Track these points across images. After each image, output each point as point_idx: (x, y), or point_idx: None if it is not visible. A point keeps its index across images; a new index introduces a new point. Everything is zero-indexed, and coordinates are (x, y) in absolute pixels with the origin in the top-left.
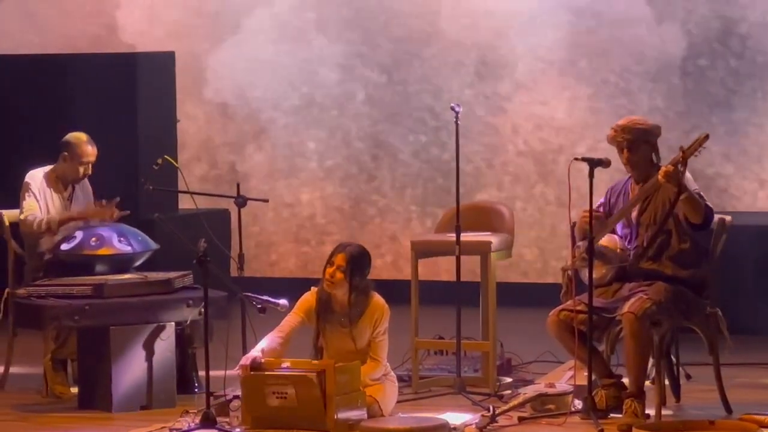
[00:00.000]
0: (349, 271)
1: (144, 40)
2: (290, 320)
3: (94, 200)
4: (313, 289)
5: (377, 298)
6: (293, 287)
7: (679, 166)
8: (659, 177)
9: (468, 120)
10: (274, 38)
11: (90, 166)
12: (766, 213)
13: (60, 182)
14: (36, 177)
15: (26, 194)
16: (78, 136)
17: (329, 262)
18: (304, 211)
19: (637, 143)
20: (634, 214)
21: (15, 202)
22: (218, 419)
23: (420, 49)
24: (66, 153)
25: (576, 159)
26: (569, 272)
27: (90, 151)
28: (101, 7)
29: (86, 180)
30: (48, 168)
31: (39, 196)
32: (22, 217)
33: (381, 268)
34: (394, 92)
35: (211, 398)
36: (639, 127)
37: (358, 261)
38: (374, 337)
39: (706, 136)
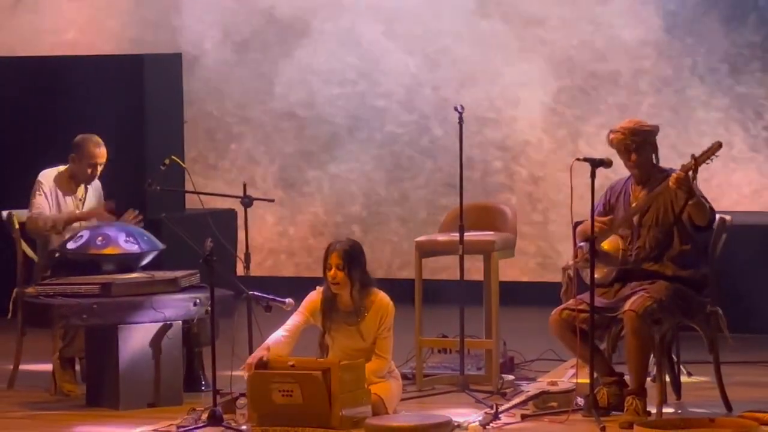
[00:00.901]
0: (347, 265)
1: (208, 47)
2: (296, 319)
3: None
4: (318, 288)
5: (382, 296)
6: (299, 286)
7: (691, 173)
8: (670, 183)
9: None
10: (342, 48)
11: (98, 167)
12: (766, 213)
13: (72, 183)
14: (48, 177)
15: (36, 192)
16: (87, 138)
17: (326, 266)
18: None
19: (643, 145)
20: (636, 215)
21: (26, 203)
22: (225, 417)
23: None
24: (74, 154)
25: (578, 159)
26: (569, 271)
27: (98, 152)
28: (163, 12)
29: (98, 181)
30: (62, 168)
31: (49, 196)
32: (29, 214)
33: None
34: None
35: (218, 396)
36: (645, 129)
37: (352, 254)
38: (379, 334)
39: (719, 145)
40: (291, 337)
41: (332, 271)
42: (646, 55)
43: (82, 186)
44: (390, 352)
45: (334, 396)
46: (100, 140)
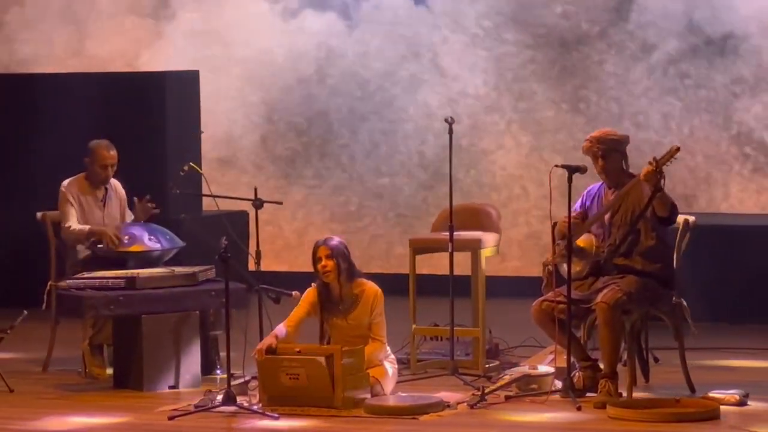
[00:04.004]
0: (335, 257)
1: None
2: (298, 312)
3: (127, 201)
4: (314, 285)
5: (370, 285)
6: (305, 280)
7: (657, 174)
8: (641, 176)
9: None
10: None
11: (110, 167)
12: (726, 215)
13: (91, 185)
14: (68, 185)
15: (64, 204)
16: (97, 143)
17: (316, 259)
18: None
19: (610, 152)
20: (607, 216)
21: (57, 206)
22: (238, 398)
23: None
24: (88, 158)
25: (556, 166)
26: (549, 267)
27: (108, 155)
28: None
29: (119, 184)
30: (81, 175)
31: (74, 203)
32: (64, 225)
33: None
34: None
35: (232, 379)
36: (612, 138)
37: (338, 248)
38: (373, 320)
39: (677, 149)
40: (294, 328)
41: (322, 262)
42: None
43: (102, 187)
44: (384, 335)
45: (337, 379)
46: (110, 144)
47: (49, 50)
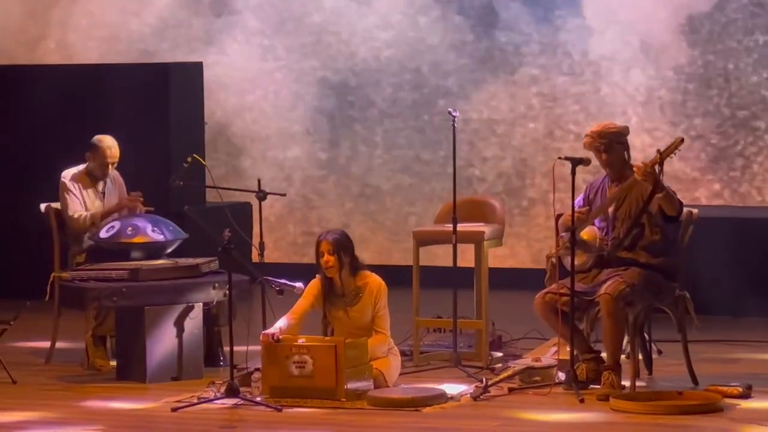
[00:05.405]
0: (336, 251)
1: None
2: (301, 304)
3: (127, 191)
4: (318, 276)
5: (374, 277)
6: (309, 272)
7: (656, 167)
8: (636, 175)
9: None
10: None
11: (111, 165)
12: (729, 207)
13: (90, 178)
14: (69, 176)
15: (67, 194)
16: (101, 139)
17: (318, 254)
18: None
19: (611, 144)
20: (611, 209)
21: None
22: (241, 389)
23: None
24: (90, 153)
25: (560, 158)
26: (553, 259)
27: (110, 153)
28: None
29: (118, 174)
30: (81, 167)
31: (77, 194)
32: (71, 214)
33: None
34: None
35: (235, 371)
36: (611, 131)
37: (341, 242)
38: (376, 312)
39: (681, 140)
40: (298, 320)
41: (324, 257)
42: None
43: (101, 180)
44: (388, 327)
45: (340, 371)
46: (113, 141)
47: (97, 42)
